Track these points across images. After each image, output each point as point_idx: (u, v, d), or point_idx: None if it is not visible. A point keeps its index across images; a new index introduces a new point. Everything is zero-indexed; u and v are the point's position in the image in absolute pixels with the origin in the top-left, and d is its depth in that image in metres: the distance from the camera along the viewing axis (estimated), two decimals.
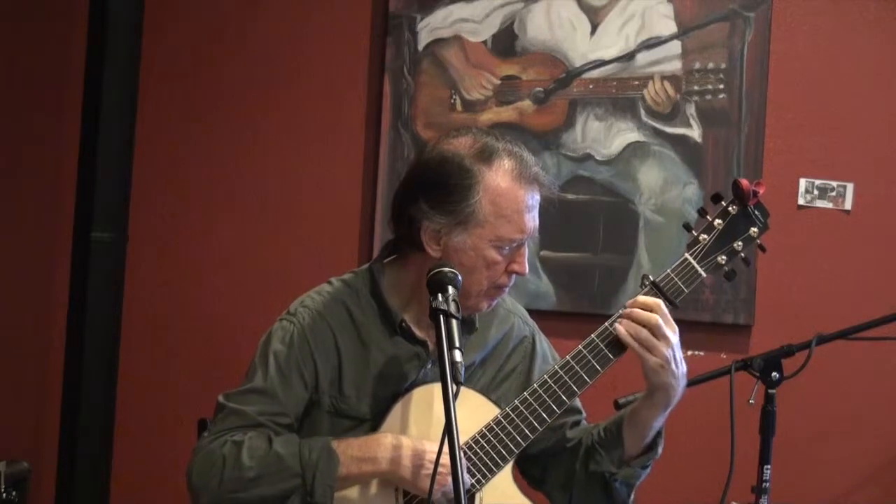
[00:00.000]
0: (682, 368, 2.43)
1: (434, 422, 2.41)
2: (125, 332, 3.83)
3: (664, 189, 3.95)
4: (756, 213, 2.51)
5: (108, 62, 3.72)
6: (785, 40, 3.98)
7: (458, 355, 2.17)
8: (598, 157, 3.96)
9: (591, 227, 3.95)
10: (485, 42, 3.96)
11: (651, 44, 3.96)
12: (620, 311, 2.44)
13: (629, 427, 2.49)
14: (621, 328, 2.40)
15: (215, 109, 4.00)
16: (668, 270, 2.47)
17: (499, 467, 2.41)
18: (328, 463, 2.34)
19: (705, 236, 2.48)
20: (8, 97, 3.97)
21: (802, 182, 3.98)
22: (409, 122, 3.94)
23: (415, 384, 2.46)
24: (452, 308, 2.24)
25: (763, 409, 3.06)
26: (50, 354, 3.94)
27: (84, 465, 3.73)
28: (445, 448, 2.10)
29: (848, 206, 3.98)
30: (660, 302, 2.41)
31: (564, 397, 2.43)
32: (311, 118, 4.00)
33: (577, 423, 2.62)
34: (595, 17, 3.97)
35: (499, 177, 2.39)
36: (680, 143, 3.95)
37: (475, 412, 2.43)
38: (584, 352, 2.43)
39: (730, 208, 2.50)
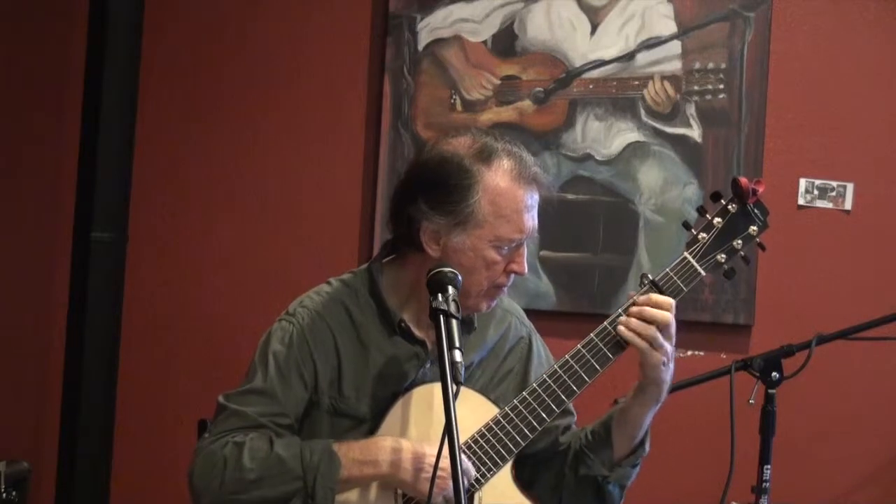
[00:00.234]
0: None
1: (434, 422, 2.41)
2: (125, 332, 3.83)
3: (664, 189, 3.95)
4: (755, 211, 2.50)
5: (108, 62, 3.72)
6: (785, 40, 3.98)
7: (458, 355, 2.17)
8: (598, 157, 3.96)
9: (591, 227, 3.95)
10: (485, 42, 3.96)
11: (651, 44, 3.96)
12: (620, 311, 2.44)
13: (619, 427, 2.49)
14: (632, 323, 2.39)
15: (215, 109, 4.00)
16: (668, 269, 2.46)
17: (498, 466, 2.42)
18: (329, 465, 2.34)
19: (704, 235, 2.48)
20: (8, 97, 3.97)
21: (802, 182, 3.98)
22: (409, 122, 3.94)
23: (414, 384, 2.46)
24: (452, 308, 2.25)
25: (763, 409, 3.06)
26: (50, 354, 3.94)
27: (84, 465, 3.73)
28: (445, 451, 2.10)
29: (848, 206, 3.98)
30: (672, 301, 2.41)
31: (564, 397, 2.43)
32: (311, 118, 4.00)
33: (568, 427, 2.62)
34: (595, 17, 3.97)
35: (498, 177, 2.39)
36: (680, 143, 3.95)
37: (475, 412, 2.43)
38: (584, 351, 2.43)
39: (729, 207, 2.49)
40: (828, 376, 3.80)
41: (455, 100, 3.96)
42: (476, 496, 2.41)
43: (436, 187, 2.39)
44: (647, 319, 2.39)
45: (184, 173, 4.00)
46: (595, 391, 2.53)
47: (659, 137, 3.95)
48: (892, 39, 4.01)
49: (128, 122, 3.79)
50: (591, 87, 3.96)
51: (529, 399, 2.43)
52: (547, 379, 2.43)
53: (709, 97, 3.95)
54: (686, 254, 2.47)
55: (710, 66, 3.95)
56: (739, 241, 2.49)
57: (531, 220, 2.42)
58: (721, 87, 3.95)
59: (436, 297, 2.27)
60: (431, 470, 2.25)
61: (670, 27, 3.96)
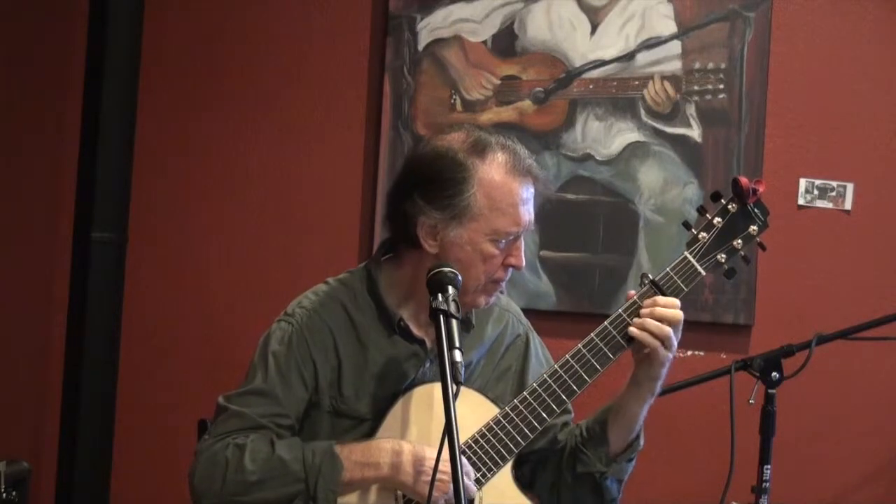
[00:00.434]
0: None
1: (434, 421, 2.41)
2: (125, 332, 3.83)
3: (664, 189, 3.95)
4: (756, 211, 2.50)
5: (109, 62, 3.71)
6: (785, 40, 3.98)
7: (458, 355, 2.17)
8: (598, 157, 3.96)
9: (591, 227, 3.95)
10: (485, 42, 3.96)
11: (651, 44, 3.96)
12: (620, 311, 2.44)
13: (615, 423, 2.49)
14: (648, 324, 2.39)
15: (215, 109, 4.00)
16: (668, 269, 2.46)
17: (498, 466, 2.42)
18: (331, 468, 2.34)
19: (704, 234, 2.48)
20: (8, 97, 3.97)
21: (802, 182, 3.98)
22: (409, 122, 3.94)
23: (414, 383, 2.46)
24: (452, 308, 2.24)
25: (763, 409, 3.06)
26: (50, 354, 3.94)
27: (84, 465, 3.73)
28: (445, 453, 2.10)
29: (848, 206, 3.98)
30: (678, 302, 2.42)
31: (564, 396, 2.43)
32: (311, 118, 4.00)
33: (566, 425, 2.62)
34: (595, 17, 3.97)
35: (493, 170, 2.39)
36: (680, 143, 3.95)
37: (475, 411, 2.43)
38: (584, 351, 2.43)
39: (729, 206, 2.49)
40: (828, 376, 3.81)
41: (455, 100, 3.96)
42: (476, 496, 2.41)
43: (431, 182, 2.40)
44: (660, 319, 2.40)
45: (184, 173, 4.00)
46: (595, 391, 2.53)
47: (659, 137, 3.95)
48: (892, 39, 4.01)
49: (128, 122, 3.79)
50: (591, 87, 3.96)
51: (530, 399, 2.43)
52: (547, 378, 2.43)
53: (709, 97, 3.95)
54: (686, 253, 2.47)
55: (710, 66, 3.95)
56: (739, 241, 2.49)
57: (527, 213, 2.42)
58: (721, 87, 3.95)
59: (436, 297, 2.26)
60: (431, 472, 2.25)
61: (670, 27, 3.96)
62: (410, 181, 2.44)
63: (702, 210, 2.51)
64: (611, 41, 3.96)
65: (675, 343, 2.42)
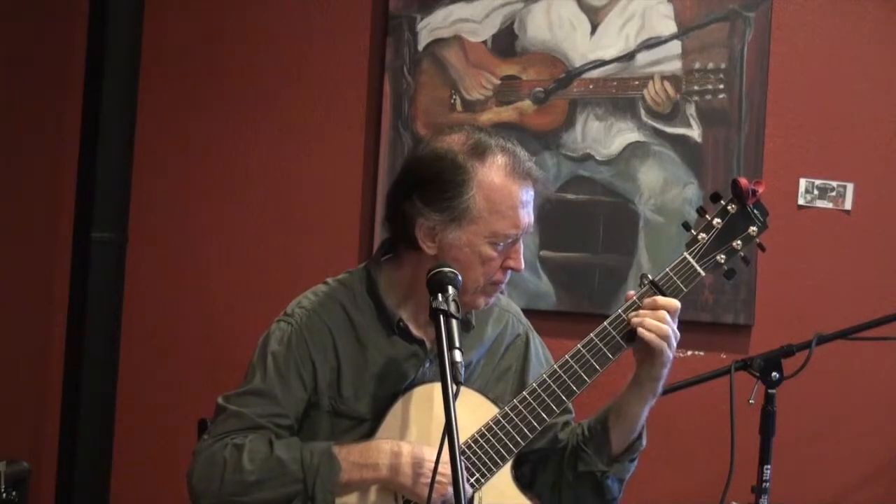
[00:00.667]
0: None
1: (434, 421, 2.41)
2: (125, 332, 3.83)
3: (664, 189, 3.95)
4: (755, 211, 2.50)
5: (109, 62, 3.71)
6: (785, 40, 3.98)
7: (458, 355, 2.17)
8: (598, 157, 3.95)
9: (591, 227, 3.95)
10: (485, 42, 3.96)
11: (651, 44, 3.96)
12: (620, 312, 2.44)
13: (616, 423, 2.49)
14: (652, 324, 2.39)
15: (215, 109, 4.00)
16: (667, 269, 2.46)
17: (498, 466, 2.42)
18: (329, 469, 2.34)
19: (704, 235, 2.48)
20: (8, 97, 3.97)
21: (802, 182, 3.98)
22: (409, 122, 3.94)
23: (413, 383, 2.46)
24: (452, 308, 2.24)
25: (763, 409, 3.06)
26: (50, 354, 3.94)
27: (84, 465, 3.73)
28: (445, 455, 2.10)
29: (848, 206, 3.98)
30: (678, 303, 2.42)
31: (564, 396, 2.43)
32: (311, 118, 4.00)
33: (567, 424, 2.62)
34: (595, 17, 3.97)
35: (492, 172, 2.39)
36: (680, 143, 3.95)
37: (474, 411, 2.43)
38: (584, 351, 2.43)
39: (729, 207, 2.49)
40: (828, 376, 3.81)
41: (455, 100, 3.96)
42: (476, 496, 2.41)
43: (430, 184, 2.39)
44: (662, 319, 2.39)
45: (184, 173, 4.00)
46: (595, 391, 2.53)
47: (659, 137, 3.95)
48: (892, 39, 4.01)
49: (128, 122, 3.79)
50: (591, 87, 3.96)
51: (529, 399, 2.43)
52: (547, 379, 2.43)
53: (709, 97, 3.95)
54: (686, 254, 2.47)
55: (710, 66, 3.95)
56: (739, 242, 2.49)
57: (527, 215, 2.42)
58: (721, 87, 3.95)
59: (436, 298, 2.26)
60: (431, 474, 2.25)
61: (670, 27, 3.96)
62: (409, 182, 2.44)
63: (701, 211, 2.51)
64: (611, 41, 3.96)
65: (675, 342, 2.41)
